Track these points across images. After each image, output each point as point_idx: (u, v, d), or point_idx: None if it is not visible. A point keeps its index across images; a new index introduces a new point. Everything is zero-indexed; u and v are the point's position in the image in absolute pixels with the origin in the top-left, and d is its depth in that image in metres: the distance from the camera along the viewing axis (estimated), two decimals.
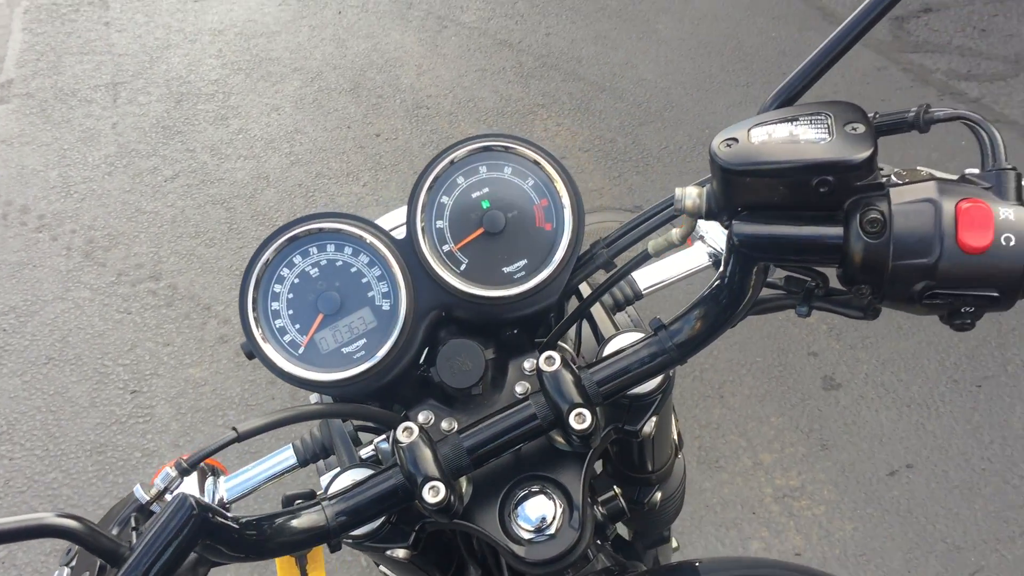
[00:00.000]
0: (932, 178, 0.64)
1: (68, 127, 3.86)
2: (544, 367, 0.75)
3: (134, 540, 0.65)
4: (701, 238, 1.00)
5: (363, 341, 0.79)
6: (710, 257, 0.99)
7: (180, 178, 3.53)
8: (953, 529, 2.19)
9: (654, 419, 0.84)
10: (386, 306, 0.80)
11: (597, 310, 0.94)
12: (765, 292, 0.75)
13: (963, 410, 2.46)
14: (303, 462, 0.92)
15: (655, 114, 3.75)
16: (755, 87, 3.84)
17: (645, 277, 0.99)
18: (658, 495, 1.04)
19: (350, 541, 0.80)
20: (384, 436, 0.88)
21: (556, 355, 0.75)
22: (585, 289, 0.93)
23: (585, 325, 0.95)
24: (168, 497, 0.69)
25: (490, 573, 0.98)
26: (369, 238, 0.80)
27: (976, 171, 0.64)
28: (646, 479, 1.02)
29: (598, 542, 0.89)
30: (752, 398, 2.55)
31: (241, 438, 0.70)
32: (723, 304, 0.72)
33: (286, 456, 0.93)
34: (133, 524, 0.75)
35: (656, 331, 0.76)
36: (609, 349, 0.82)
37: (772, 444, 2.41)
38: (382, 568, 1.08)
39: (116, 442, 2.49)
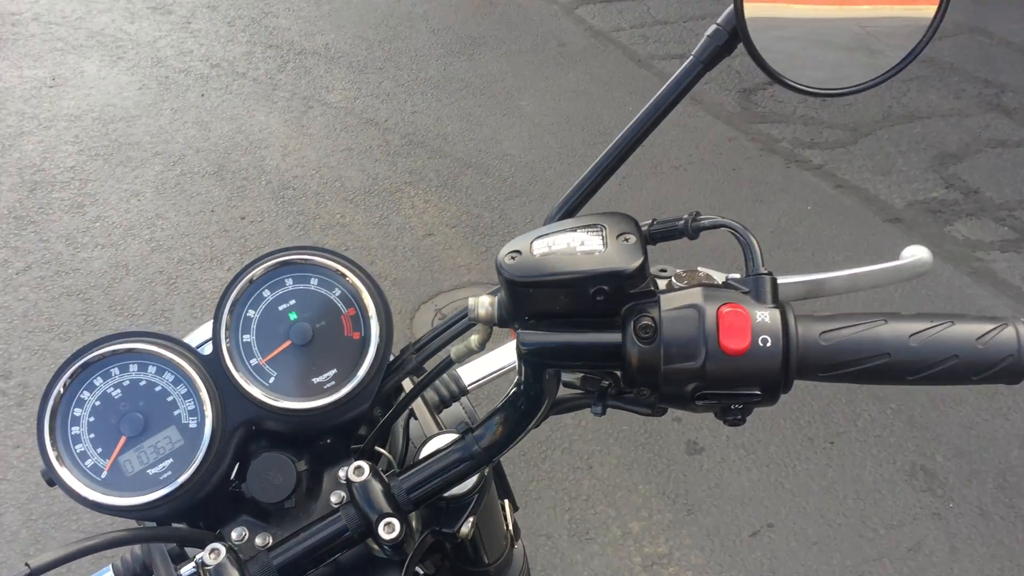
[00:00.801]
0: (700, 284, 0.68)
1: None
2: (353, 477, 0.75)
3: None
4: None
5: (170, 461, 0.78)
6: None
7: (33, 270, 3.40)
8: None
9: (472, 519, 0.85)
10: (193, 424, 0.79)
11: (420, 410, 0.95)
12: (564, 392, 0.77)
13: (818, 467, 2.56)
14: None
15: (520, 188, 3.84)
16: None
17: (470, 373, 1.01)
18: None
19: None
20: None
21: (365, 465, 0.75)
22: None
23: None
24: None
25: None
26: (173, 356, 0.79)
27: (738, 276, 0.69)
28: (484, 572, 1.02)
29: None
30: (620, 467, 2.59)
31: (33, 574, 0.68)
32: (522, 409, 0.74)
33: None
34: None
35: (463, 435, 0.77)
36: (423, 453, 0.83)
37: (640, 512, 2.45)
38: None
39: None
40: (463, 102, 4.54)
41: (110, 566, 0.91)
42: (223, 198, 3.83)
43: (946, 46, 4.85)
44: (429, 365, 0.84)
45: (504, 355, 1.02)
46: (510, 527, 1.06)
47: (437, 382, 0.99)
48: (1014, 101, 4.33)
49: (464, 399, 1.02)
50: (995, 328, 0.65)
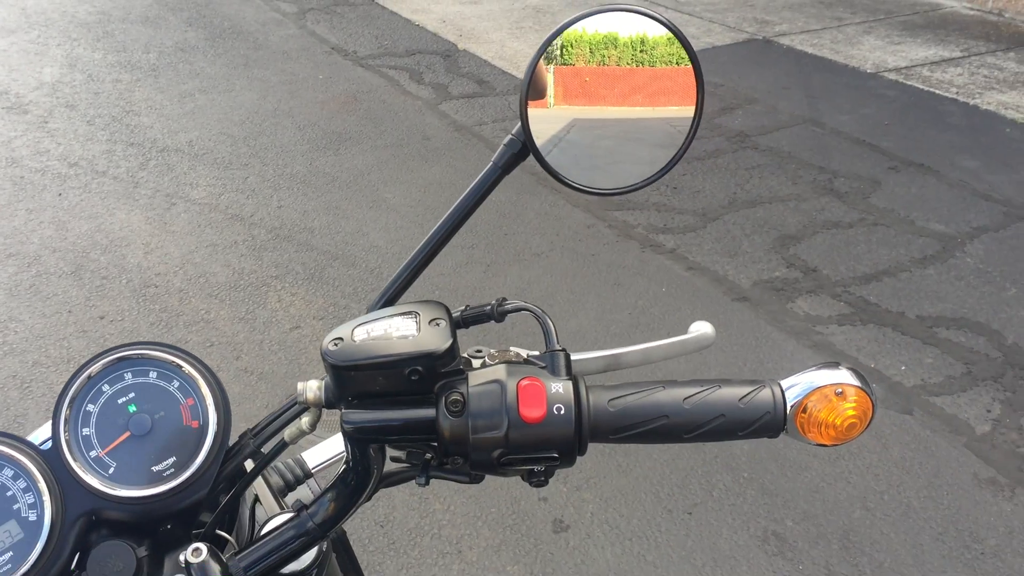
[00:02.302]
0: (506, 361, 0.76)
1: None
2: (191, 559, 0.79)
3: None
4: None
5: (9, 554, 0.80)
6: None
7: None
8: None
9: None
10: (33, 517, 0.81)
11: (264, 493, 0.99)
12: (391, 466, 0.84)
13: (677, 537, 2.66)
14: None
15: (387, 279, 3.90)
16: (479, 248, 4.11)
17: (313, 457, 1.07)
18: None
19: None
20: None
21: (203, 546, 0.79)
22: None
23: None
24: None
25: None
26: (10, 451, 0.82)
27: (537, 353, 0.78)
28: None
29: None
30: (489, 549, 2.63)
31: None
32: (352, 485, 0.80)
33: None
34: None
35: (298, 512, 0.83)
36: (262, 532, 0.87)
37: None
38: None
39: None
40: (329, 195, 4.62)
41: None
42: (81, 298, 3.75)
43: (784, 136, 5.24)
44: (267, 448, 0.89)
45: (339, 443, 1.07)
46: None
47: (282, 467, 1.04)
48: (845, 186, 4.69)
49: (311, 481, 1.07)
50: (755, 389, 0.76)
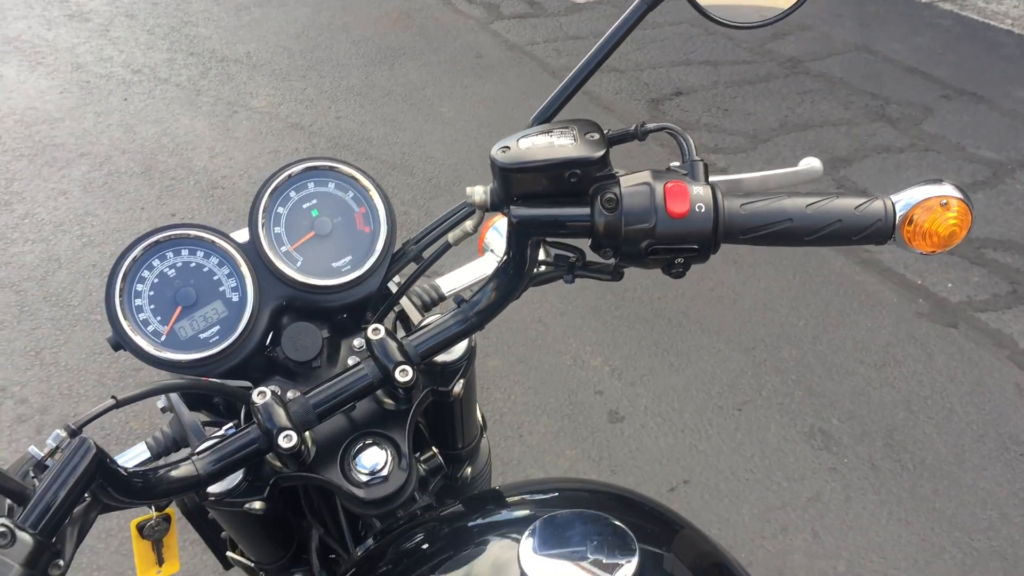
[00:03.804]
0: (649, 169, 0.88)
1: None
2: (371, 336, 0.92)
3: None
4: (492, 251, 1.22)
5: (217, 328, 0.94)
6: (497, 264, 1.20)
7: None
8: (725, 532, 2.49)
9: (462, 381, 1.03)
10: (235, 298, 0.95)
11: (408, 307, 1.12)
12: (539, 268, 0.96)
13: (728, 431, 2.80)
14: (156, 456, 1.04)
15: (444, 188, 4.02)
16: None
17: (447, 283, 1.19)
18: (468, 470, 1.23)
19: (213, 498, 0.93)
20: (231, 425, 1.02)
21: (381, 327, 0.93)
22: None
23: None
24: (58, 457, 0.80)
25: (328, 532, 1.12)
26: (219, 242, 0.96)
27: (677, 164, 0.89)
28: (457, 455, 1.20)
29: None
30: (548, 435, 2.78)
31: (120, 404, 0.83)
32: (510, 274, 0.93)
33: (140, 451, 1.04)
34: (32, 475, 0.84)
35: (459, 304, 0.96)
36: (423, 323, 1.01)
37: (568, 474, 2.65)
38: (231, 555, 1.20)
39: None
40: (385, 108, 4.71)
41: (143, 443, 1.05)
42: (152, 196, 3.91)
43: (836, 62, 5.24)
44: (429, 253, 1.02)
45: (479, 267, 1.20)
46: (480, 418, 1.24)
47: (419, 289, 1.17)
48: (897, 112, 4.72)
49: (440, 306, 1.20)
50: (867, 201, 0.87)
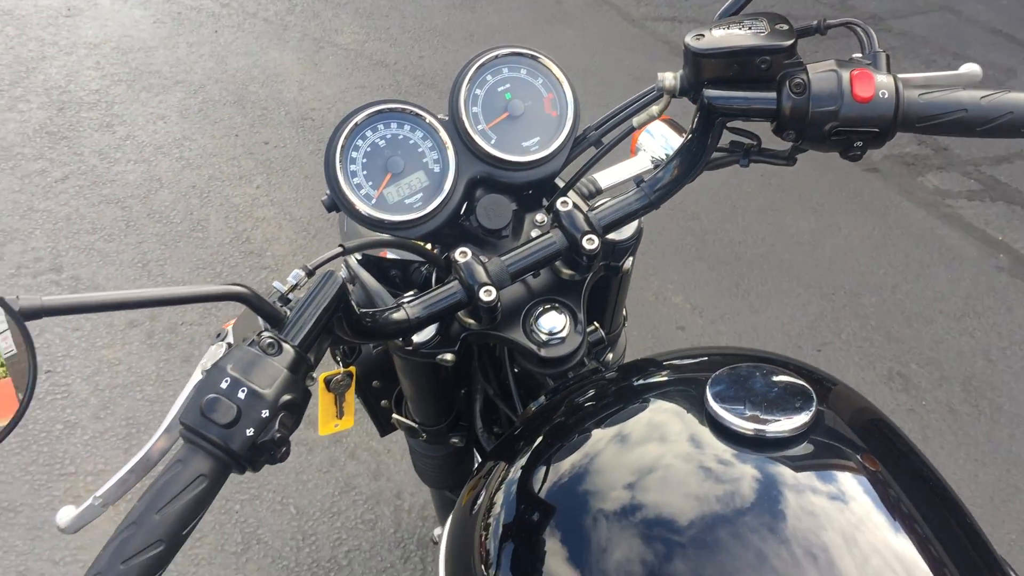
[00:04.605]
0: (834, 59, 0.95)
1: None
2: (560, 208, 1.02)
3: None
4: (644, 150, 1.30)
5: (420, 195, 1.04)
6: (651, 162, 1.28)
7: (71, 179, 3.58)
8: None
9: (631, 259, 1.12)
10: (437, 169, 1.05)
11: (573, 196, 1.21)
12: (717, 154, 1.05)
13: None
14: None
15: None
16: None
17: (605, 179, 1.28)
18: (610, 355, 1.32)
19: (411, 348, 1.03)
20: (410, 294, 1.12)
21: (569, 199, 1.02)
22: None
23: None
24: (297, 293, 0.90)
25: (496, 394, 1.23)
26: (427, 117, 1.05)
27: (860, 55, 0.97)
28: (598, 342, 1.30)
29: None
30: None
31: (345, 252, 0.93)
32: (692, 153, 1.01)
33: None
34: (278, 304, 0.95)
35: (638, 184, 1.04)
36: (603, 184, 1.11)
37: None
38: (396, 417, 1.32)
39: (36, 416, 2.55)
40: (468, 49, 4.77)
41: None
42: (245, 124, 4.03)
43: (918, 21, 5.20)
44: (609, 138, 1.10)
45: (634, 166, 1.28)
46: (624, 312, 1.34)
47: (579, 183, 1.25)
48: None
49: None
50: None
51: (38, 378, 0.79)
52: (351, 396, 1.21)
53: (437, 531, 2.00)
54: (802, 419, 0.87)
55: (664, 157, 1.24)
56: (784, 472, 0.86)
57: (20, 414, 0.76)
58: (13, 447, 2.48)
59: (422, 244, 1.03)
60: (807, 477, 0.87)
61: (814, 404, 0.88)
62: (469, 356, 1.23)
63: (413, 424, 1.31)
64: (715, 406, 0.88)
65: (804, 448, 0.88)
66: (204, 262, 3.18)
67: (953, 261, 3.35)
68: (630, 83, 4.46)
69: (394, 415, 1.34)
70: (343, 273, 1.12)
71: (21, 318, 0.73)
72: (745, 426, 0.86)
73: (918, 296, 3.18)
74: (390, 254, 1.17)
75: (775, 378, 0.92)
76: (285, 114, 4.12)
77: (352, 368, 1.22)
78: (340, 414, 1.20)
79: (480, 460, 1.44)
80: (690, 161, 1.02)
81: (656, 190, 1.03)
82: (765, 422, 0.86)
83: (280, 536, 2.31)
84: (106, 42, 4.60)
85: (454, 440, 1.33)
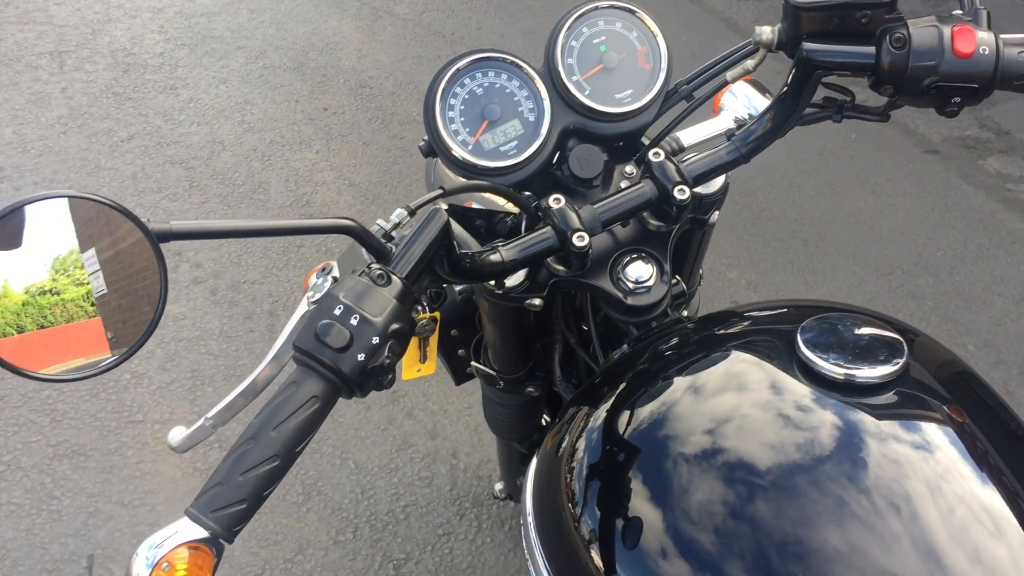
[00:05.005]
0: (934, 14, 0.96)
1: (16, 89, 3.92)
2: (652, 159, 1.04)
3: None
4: (726, 110, 1.32)
5: (515, 143, 1.07)
6: (734, 122, 1.30)
7: (136, 139, 3.66)
8: None
9: (717, 213, 1.14)
10: (532, 118, 1.08)
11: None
12: (809, 110, 1.06)
13: None
14: None
15: None
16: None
17: (687, 137, 1.30)
18: (684, 313, 1.34)
19: (501, 292, 1.06)
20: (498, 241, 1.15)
21: (661, 151, 1.04)
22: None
23: None
24: (400, 231, 0.94)
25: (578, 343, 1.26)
26: (524, 66, 1.08)
27: (960, 12, 0.97)
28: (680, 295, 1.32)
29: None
30: None
31: (446, 194, 0.96)
32: (787, 106, 1.03)
33: None
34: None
35: (729, 138, 1.06)
36: (686, 142, 1.13)
37: None
38: (475, 364, 1.35)
39: None
40: (524, 22, 4.78)
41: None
42: (305, 91, 4.08)
43: None
44: (701, 92, 1.12)
45: (716, 125, 1.30)
46: (702, 273, 1.36)
47: (662, 140, 1.27)
48: None
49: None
50: None
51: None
52: (434, 341, 1.25)
53: (498, 486, 2.04)
54: (891, 368, 0.89)
55: (748, 117, 1.26)
56: (873, 419, 0.88)
57: (150, 331, 0.81)
58: (83, 394, 2.56)
59: (516, 192, 1.06)
60: (895, 425, 0.89)
61: (904, 354, 0.90)
62: (550, 307, 1.26)
63: (492, 372, 1.34)
64: (807, 351, 0.90)
65: (892, 397, 0.90)
66: None
67: (1013, 245, 3.32)
68: (689, 60, 4.44)
69: (473, 363, 1.38)
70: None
71: (156, 240, 0.77)
72: (835, 371, 0.88)
73: (976, 278, 3.16)
74: (475, 204, 1.20)
75: (864, 328, 0.94)
76: (343, 81, 4.16)
77: (437, 314, 1.25)
78: (424, 358, 1.24)
79: (553, 412, 1.47)
80: (783, 115, 1.03)
81: (748, 143, 1.05)
82: (856, 369, 0.88)
83: (339, 489, 2.37)
84: (169, 6, 4.67)
85: (530, 389, 1.36)
